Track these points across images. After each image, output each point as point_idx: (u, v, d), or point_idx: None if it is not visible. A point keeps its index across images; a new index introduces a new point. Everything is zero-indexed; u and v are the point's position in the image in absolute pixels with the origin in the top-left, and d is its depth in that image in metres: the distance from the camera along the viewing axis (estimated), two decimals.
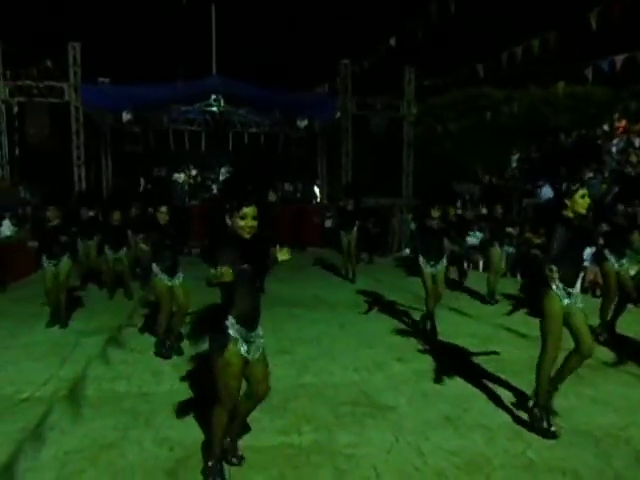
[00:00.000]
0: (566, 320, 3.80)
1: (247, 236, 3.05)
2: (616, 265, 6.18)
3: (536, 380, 3.92)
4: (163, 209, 5.71)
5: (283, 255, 3.10)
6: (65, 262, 6.91)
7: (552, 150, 15.29)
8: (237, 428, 3.41)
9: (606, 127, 15.25)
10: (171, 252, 5.71)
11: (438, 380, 4.90)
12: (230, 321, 3.05)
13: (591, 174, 13.16)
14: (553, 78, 14.79)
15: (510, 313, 7.68)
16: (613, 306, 6.31)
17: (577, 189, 3.84)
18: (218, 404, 3.13)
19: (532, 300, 4.02)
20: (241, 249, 2.99)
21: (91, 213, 9.59)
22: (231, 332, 3.04)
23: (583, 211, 3.86)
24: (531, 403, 3.99)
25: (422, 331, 6.55)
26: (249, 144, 19.70)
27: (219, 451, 3.25)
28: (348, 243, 10.28)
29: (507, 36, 13.28)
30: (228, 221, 3.09)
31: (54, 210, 6.71)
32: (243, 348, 3.07)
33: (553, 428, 3.77)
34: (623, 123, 14.76)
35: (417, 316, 7.01)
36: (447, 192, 8.19)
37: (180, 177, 20.00)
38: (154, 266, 5.65)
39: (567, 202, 3.87)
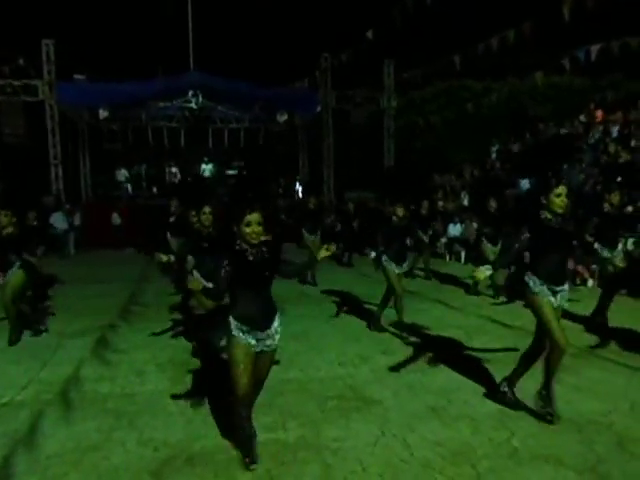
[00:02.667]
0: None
1: (254, 242, 3.23)
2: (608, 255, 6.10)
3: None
4: (206, 210, 5.31)
5: None
6: (14, 273, 6.04)
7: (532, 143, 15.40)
8: None
9: (583, 117, 15.41)
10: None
11: (423, 372, 4.92)
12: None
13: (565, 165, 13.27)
14: (531, 69, 14.92)
15: (501, 303, 7.76)
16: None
17: (553, 187, 3.63)
18: None
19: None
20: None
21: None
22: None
23: (560, 210, 3.66)
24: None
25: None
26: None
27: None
28: (313, 245, 9.43)
29: (483, 27, 13.36)
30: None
31: (6, 215, 5.89)
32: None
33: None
34: (600, 113, 14.91)
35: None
36: (406, 188, 7.95)
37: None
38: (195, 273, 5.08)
39: (544, 201, 3.69)
